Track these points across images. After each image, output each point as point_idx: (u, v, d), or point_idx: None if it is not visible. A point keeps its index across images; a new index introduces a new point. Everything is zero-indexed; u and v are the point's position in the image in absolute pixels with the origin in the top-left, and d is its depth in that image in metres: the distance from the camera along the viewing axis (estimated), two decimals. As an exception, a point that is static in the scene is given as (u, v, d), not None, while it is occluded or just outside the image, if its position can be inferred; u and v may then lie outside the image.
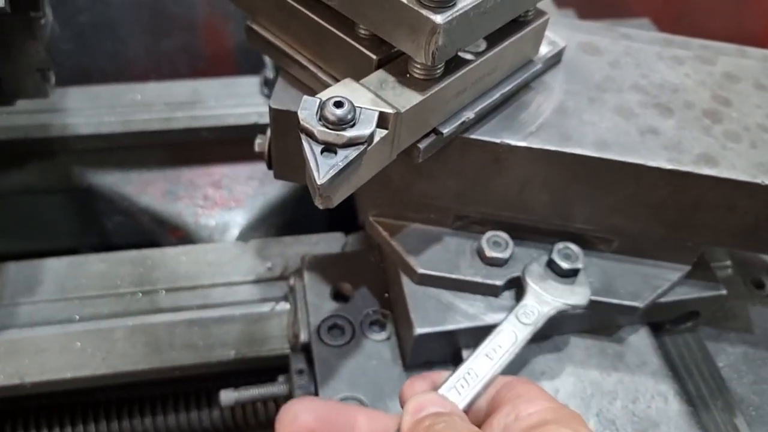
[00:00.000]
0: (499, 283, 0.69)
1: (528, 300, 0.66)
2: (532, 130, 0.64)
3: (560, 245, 0.69)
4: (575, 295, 0.67)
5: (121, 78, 1.14)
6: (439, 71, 0.55)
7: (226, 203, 1.10)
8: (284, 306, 0.81)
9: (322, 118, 0.48)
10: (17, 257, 0.86)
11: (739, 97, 0.69)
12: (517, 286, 0.70)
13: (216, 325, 0.79)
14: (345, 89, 0.52)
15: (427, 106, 0.55)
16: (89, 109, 1.03)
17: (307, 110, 0.49)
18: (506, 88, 0.64)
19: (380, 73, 0.55)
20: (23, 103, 0.84)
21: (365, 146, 0.49)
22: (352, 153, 0.48)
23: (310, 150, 0.48)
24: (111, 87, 1.08)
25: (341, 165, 0.48)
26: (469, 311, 0.68)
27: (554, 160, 0.63)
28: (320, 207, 0.51)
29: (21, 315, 0.80)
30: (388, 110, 0.51)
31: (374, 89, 0.53)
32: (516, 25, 0.61)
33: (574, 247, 0.69)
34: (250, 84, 1.10)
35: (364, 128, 0.49)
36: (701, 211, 0.66)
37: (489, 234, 0.70)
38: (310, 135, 0.48)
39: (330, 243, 0.90)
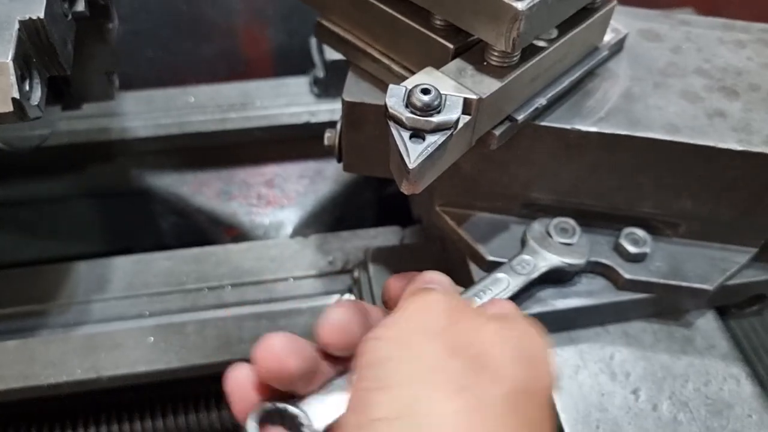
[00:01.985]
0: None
1: (526, 254, 0.68)
2: (601, 116, 0.64)
3: (627, 230, 0.70)
4: (573, 255, 0.68)
5: (162, 85, 1.17)
6: (515, 58, 0.56)
7: (278, 201, 1.11)
8: (349, 298, 0.83)
9: (410, 105, 0.50)
10: (77, 258, 0.89)
11: None
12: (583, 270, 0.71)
13: (283, 318, 0.81)
14: (428, 77, 0.53)
15: (504, 93, 0.56)
16: (145, 113, 1.05)
17: (394, 98, 0.51)
18: (575, 75, 0.65)
19: (458, 62, 0.56)
20: (84, 108, 0.87)
21: (452, 131, 0.51)
22: (440, 138, 0.50)
23: (399, 136, 0.50)
24: (164, 91, 1.10)
25: (430, 150, 0.50)
26: (540, 296, 0.69)
27: (625, 144, 0.64)
28: (406, 193, 0.53)
29: (94, 311, 0.83)
30: (472, 96, 0.53)
31: (454, 77, 0.54)
32: (585, 12, 0.62)
33: (640, 232, 0.70)
34: (299, 84, 1.12)
35: (450, 113, 0.51)
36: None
37: (557, 220, 0.71)
38: (398, 122, 0.50)
39: (388, 236, 0.92)
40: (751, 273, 0.73)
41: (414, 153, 0.49)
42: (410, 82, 0.51)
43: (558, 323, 0.70)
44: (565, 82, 0.64)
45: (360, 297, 0.79)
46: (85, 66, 0.80)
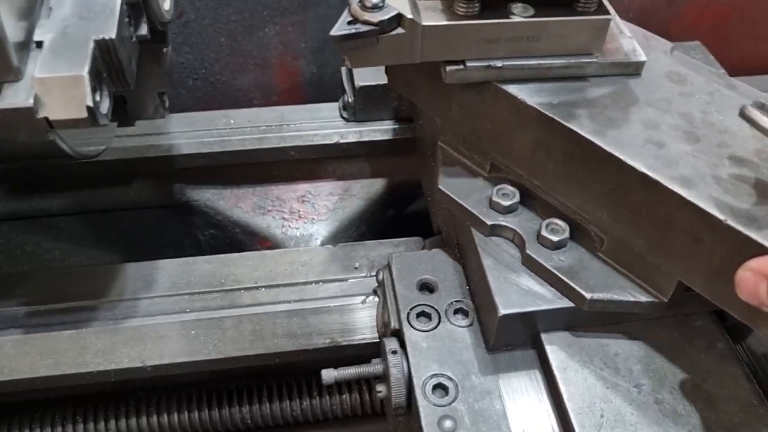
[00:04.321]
0: (488, 222, 0.80)
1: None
2: (552, 102, 0.73)
3: (549, 220, 0.78)
4: None
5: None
6: (473, 10, 0.70)
7: (309, 216, 1.19)
8: (373, 299, 0.90)
9: (361, 1, 0.69)
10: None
11: None
12: (505, 236, 0.81)
13: (313, 316, 0.88)
14: None
15: (453, 33, 0.70)
16: (189, 132, 1.15)
17: None
18: (546, 61, 0.74)
19: (434, 2, 0.72)
20: (136, 125, 0.96)
21: (376, 29, 0.68)
22: (363, 28, 0.68)
23: (343, 17, 0.69)
24: (206, 113, 1.19)
25: (352, 31, 0.68)
26: (547, 295, 0.76)
27: (556, 130, 0.72)
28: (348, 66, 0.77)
29: (141, 308, 0.91)
30: (408, 15, 0.69)
31: (420, 6, 0.71)
32: (570, 10, 0.72)
33: (562, 224, 0.78)
34: (330, 109, 1.20)
35: (378, 16, 0.68)
36: (672, 232, 0.68)
37: (502, 185, 0.81)
38: (348, 8, 0.70)
39: (410, 245, 0.99)
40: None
41: (340, 27, 0.68)
42: None
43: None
44: (532, 62, 0.74)
45: (384, 298, 0.86)
46: (141, 85, 0.89)
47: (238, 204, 1.19)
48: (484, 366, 0.77)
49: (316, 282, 0.94)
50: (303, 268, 0.96)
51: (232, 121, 1.18)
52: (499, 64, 0.74)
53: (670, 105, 0.75)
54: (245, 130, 1.15)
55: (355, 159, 1.19)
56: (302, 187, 1.21)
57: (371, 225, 1.22)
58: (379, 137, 1.16)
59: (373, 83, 1.13)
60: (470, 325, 0.81)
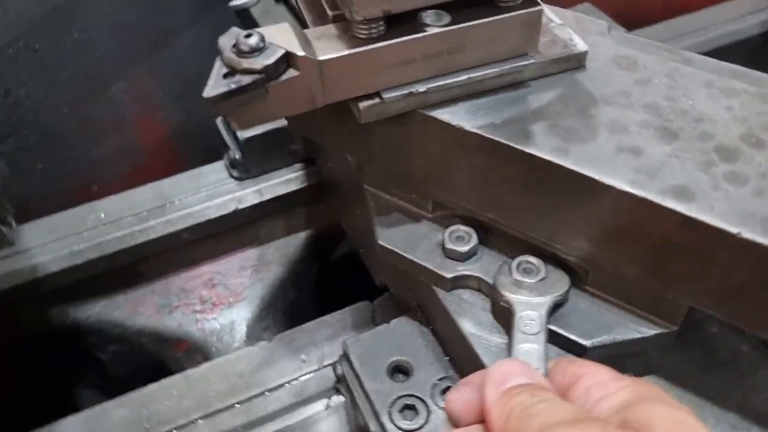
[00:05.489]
0: (447, 276, 0.66)
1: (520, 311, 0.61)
2: (496, 123, 0.60)
3: (519, 259, 0.65)
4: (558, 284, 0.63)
5: (62, 198, 1.05)
6: (377, 31, 0.56)
7: (225, 300, 1.01)
8: (338, 399, 0.74)
9: (236, 47, 0.53)
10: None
11: None
12: (470, 287, 0.67)
13: (272, 441, 0.71)
14: (276, 30, 0.56)
15: (358, 63, 0.57)
16: (52, 243, 0.93)
17: (226, 38, 0.54)
18: (477, 74, 0.61)
19: (326, 28, 0.58)
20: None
21: (262, 77, 0.53)
22: (246, 79, 0.53)
23: (216, 70, 0.54)
24: (69, 212, 0.98)
25: (233, 87, 0.52)
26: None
27: (507, 155, 0.59)
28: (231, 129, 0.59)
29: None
30: (299, 53, 0.54)
31: (311, 37, 0.57)
32: (492, 8, 0.58)
33: (534, 260, 0.64)
34: (216, 171, 1.02)
35: (261, 61, 0.53)
36: (674, 256, 0.56)
37: (454, 227, 0.67)
38: (221, 58, 0.54)
39: (357, 317, 0.83)
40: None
41: (215, 84, 0.52)
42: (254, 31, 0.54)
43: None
44: (462, 77, 0.60)
45: (351, 396, 0.71)
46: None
47: (137, 309, 0.99)
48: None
49: (262, 393, 0.76)
50: (241, 379, 0.78)
51: (102, 215, 0.97)
52: (421, 88, 0.60)
53: (631, 98, 0.62)
54: (122, 223, 0.95)
55: (262, 221, 1.02)
56: (207, 270, 1.02)
57: (299, 288, 1.06)
58: (283, 190, 0.99)
59: (260, 131, 0.96)
60: (466, 404, 0.67)
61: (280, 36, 0.55)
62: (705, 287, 0.57)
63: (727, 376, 0.65)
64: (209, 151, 1.09)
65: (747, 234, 0.51)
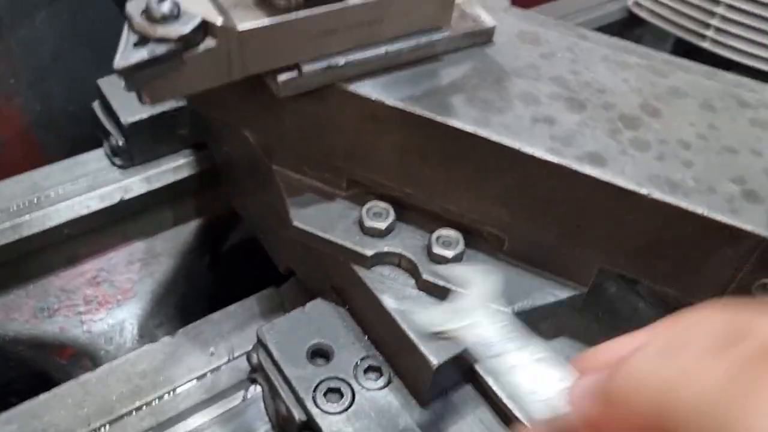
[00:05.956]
0: (368, 253, 0.66)
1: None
2: (416, 95, 0.60)
3: (441, 231, 0.66)
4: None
5: None
6: (296, 1, 0.54)
7: (112, 299, 0.94)
8: (255, 390, 0.71)
9: (146, 12, 0.49)
10: None
11: (674, 111, 0.63)
12: (391, 263, 0.66)
13: (187, 442, 0.67)
14: None
15: (278, 33, 0.54)
16: None
17: (135, 3, 0.50)
18: (395, 46, 0.61)
19: None
20: None
21: (179, 46, 0.50)
22: (160, 48, 0.49)
23: (125, 38, 0.49)
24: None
25: (147, 57, 0.49)
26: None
27: (427, 128, 0.60)
28: (142, 103, 0.52)
29: None
30: (217, 22, 0.51)
31: (226, 5, 0.53)
32: None
33: (454, 234, 0.66)
34: (96, 159, 0.94)
35: (177, 29, 0.49)
36: (588, 219, 0.60)
37: (371, 203, 0.67)
38: (131, 26, 0.50)
39: (265, 304, 0.80)
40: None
41: (127, 55, 0.48)
42: None
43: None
44: (380, 50, 0.60)
45: (269, 384, 0.68)
46: None
47: (10, 315, 0.89)
48: (429, 428, 0.64)
49: (170, 392, 0.72)
50: (144, 380, 0.72)
51: (-34, 216, 0.87)
52: (341, 61, 0.59)
53: (539, 71, 0.65)
54: (-9, 222, 0.85)
55: (149, 212, 0.95)
56: (91, 267, 0.94)
57: (191, 281, 1.00)
58: (172, 178, 0.93)
59: (146, 115, 0.89)
60: (389, 382, 0.67)
61: (193, 3, 0.51)
62: (617, 247, 0.60)
63: (629, 332, 0.70)
64: (77, 140, 1.01)
65: (656, 195, 0.56)
